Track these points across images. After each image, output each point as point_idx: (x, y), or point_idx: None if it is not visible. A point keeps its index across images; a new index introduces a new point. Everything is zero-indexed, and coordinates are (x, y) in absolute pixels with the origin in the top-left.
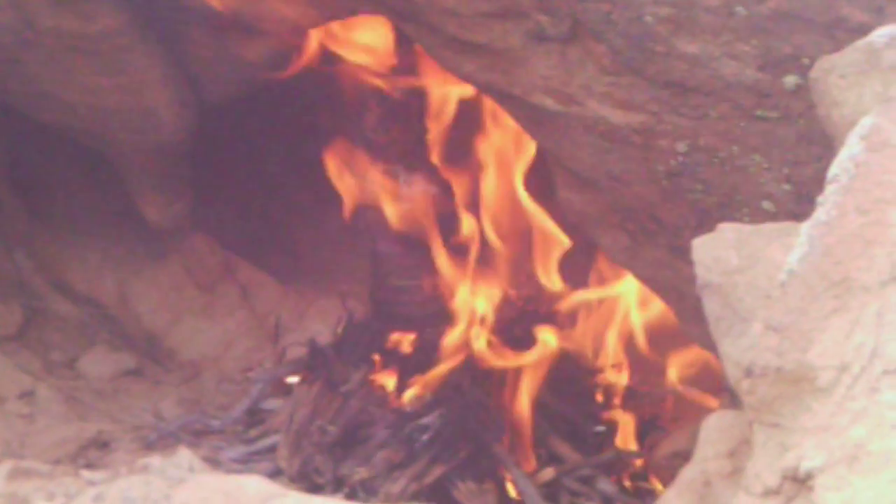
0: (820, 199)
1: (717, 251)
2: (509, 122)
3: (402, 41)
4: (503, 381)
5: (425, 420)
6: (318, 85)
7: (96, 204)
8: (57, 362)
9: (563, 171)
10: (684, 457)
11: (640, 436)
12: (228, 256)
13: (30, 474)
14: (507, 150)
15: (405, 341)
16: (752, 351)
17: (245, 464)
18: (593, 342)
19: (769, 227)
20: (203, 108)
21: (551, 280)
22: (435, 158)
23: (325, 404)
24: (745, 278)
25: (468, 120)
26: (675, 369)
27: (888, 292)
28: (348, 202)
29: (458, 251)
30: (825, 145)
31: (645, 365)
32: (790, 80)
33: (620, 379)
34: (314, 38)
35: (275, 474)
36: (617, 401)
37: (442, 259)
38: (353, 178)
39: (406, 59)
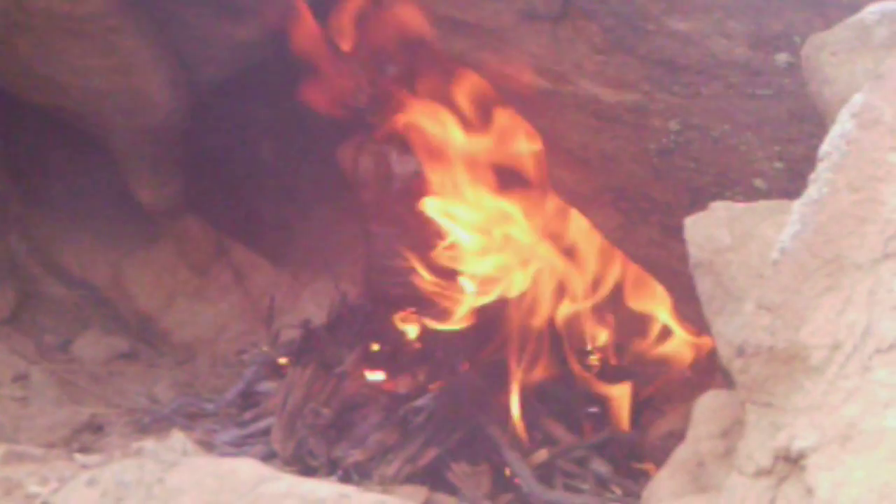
0: (812, 176)
1: (710, 229)
2: None
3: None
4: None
5: (419, 402)
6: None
7: (89, 186)
8: (50, 345)
9: (555, 150)
10: (678, 437)
11: (635, 416)
12: (222, 238)
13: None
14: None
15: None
16: (745, 330)
17: (239, 447)
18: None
19: (761, 205)
20: (195, 89)
21: None
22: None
23: (318, 387)
24: (737, 257)
25: None
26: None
27: (880, 270)
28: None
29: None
30: (817, 123)
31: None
32: (781, 57)
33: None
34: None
35: (269, 457)
36: (610, 381)
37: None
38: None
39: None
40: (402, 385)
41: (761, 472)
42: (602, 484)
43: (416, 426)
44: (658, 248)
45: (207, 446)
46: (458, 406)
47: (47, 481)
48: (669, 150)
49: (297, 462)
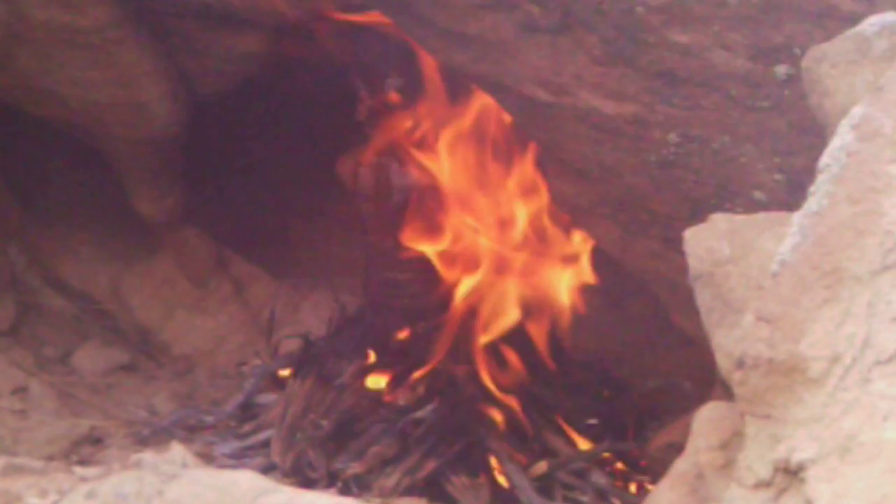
0: (811, 188)
1: (710, 242)
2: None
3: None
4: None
5: (418, 414)
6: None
7: (89, 198)
8: (50, 358)
9: (555, 162)
10: (678, 449)
11: (636, 428)
12: (221, 250)
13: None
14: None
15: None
16: (744, 342)
17: (238, 459)
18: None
19: (761, 217)
20: (195, 101)
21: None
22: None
23: (318, 399)
24: (737, 269)
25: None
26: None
27: (880, 282)
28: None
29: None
30: (817, 135)
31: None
32: (781, 69)
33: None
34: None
35: (268, 469)
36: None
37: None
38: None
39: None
40: (402, 397)
41: (761, 484)
42: (602, 496)
43: (416, 438)
44: (658, 260)
45: (207, 458)
46: (457, 418)
47: (46, 494)
48: (669, 162)
49: (296, 474)
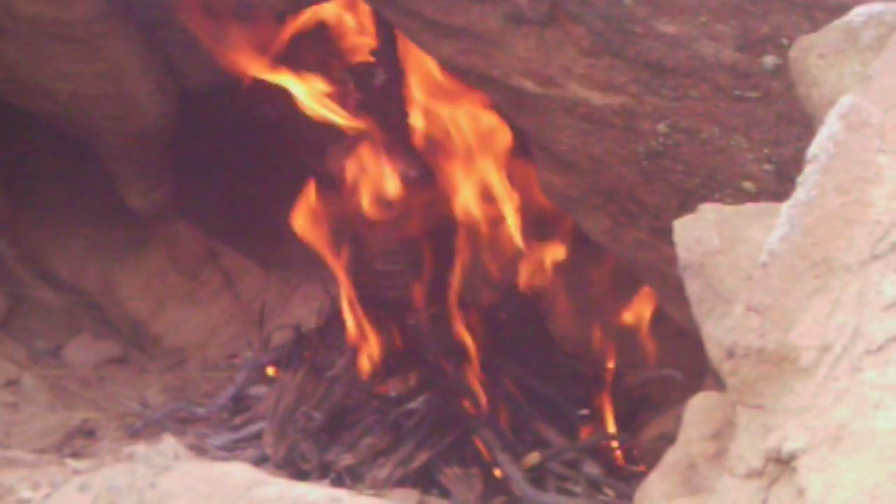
0: (800, 178)
1: (699, 232)
2: None
3: (381, 25)
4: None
5: (411, 405)
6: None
7: (79, 191)
8: (41, 351)
9: (544, 153)
10: (670, 439)
11: (628, 419)
12: (212, 242)
13: (15, 463)
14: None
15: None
16: (734, 332)
17: (230, 451)
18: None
19: (750, 207)
20: (184, 94)
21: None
22: (416, 143)
23: (310, 390)
24: (726, 259)
25: None
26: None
27: (869, 272)
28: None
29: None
30: (805, 125)
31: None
32: (769, 60)
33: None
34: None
35: (260, 461)
36: (603, 384)
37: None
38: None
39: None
40: (394, 388)
41: (752, 474)
42: (594, 486)
43: (408, 429)
44: (647, 251)
45: (199, 451)
46: (449, 409)
47: (39, 486)
48: (658, 153)
49: (288, 466)
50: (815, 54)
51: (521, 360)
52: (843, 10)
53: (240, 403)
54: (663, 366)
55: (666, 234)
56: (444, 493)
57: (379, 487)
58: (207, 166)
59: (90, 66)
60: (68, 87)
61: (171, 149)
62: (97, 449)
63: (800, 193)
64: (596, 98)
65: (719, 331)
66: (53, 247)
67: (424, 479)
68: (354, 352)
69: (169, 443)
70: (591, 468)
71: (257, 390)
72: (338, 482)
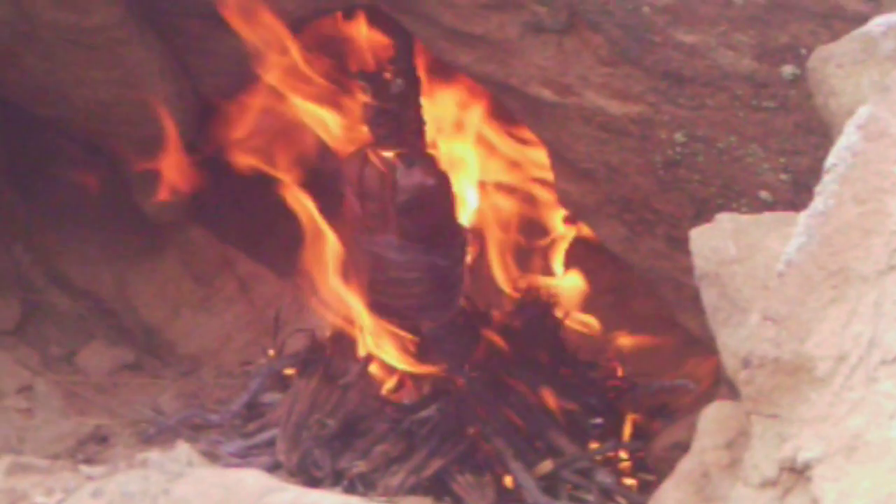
0: (817, 188)
1: (715, 241)
2: None
3: (398, 33)
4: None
5: (424, 413)
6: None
7: (94, 197)
8: (55, 357)
9: (561, 162)
10: (683, 448)
11: (644, 427)
12: (227, 249)
13: (28, 469)
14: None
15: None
16: (750, 341)
17: (244, 458)
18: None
19: (767, 217)
20: (200, 100)
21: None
22: (432, 150)
23: (323, 398)
24: (742, 268)
25: None
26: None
27: (886, 282)
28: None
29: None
30: (823, 135)
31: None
32: (787, 69)
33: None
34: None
35: (273, 468)
36: (618, 392)
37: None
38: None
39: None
40: (407, 396)
41: (767, 484)
42: (607, 495)
43: (421, 437)
44: (663, 260)
45: (212, 457)
46: (462, 417)
47: (52, 492)
48: (675, 162)
49: (301, 473)
50: (834, 64)
51: (534, 369)
52: (861, 20)
53: (253, 410)
54: (677, 375)
55: (682, 244)
56: (457, 501)
57: (391, 495)
58: (223, 173)
59: (108, 72)
60: (86, 93)
61: (187, 156)
62: (110, 455)
63: (817, 203)
64: (613, 107)
65: (735, 340)
66: (68, 252)
67: (437, 487)
68: (368, 359)
69: (182, 449)
70: (604, 477)
71: (271, 397)
72: (350, 489)
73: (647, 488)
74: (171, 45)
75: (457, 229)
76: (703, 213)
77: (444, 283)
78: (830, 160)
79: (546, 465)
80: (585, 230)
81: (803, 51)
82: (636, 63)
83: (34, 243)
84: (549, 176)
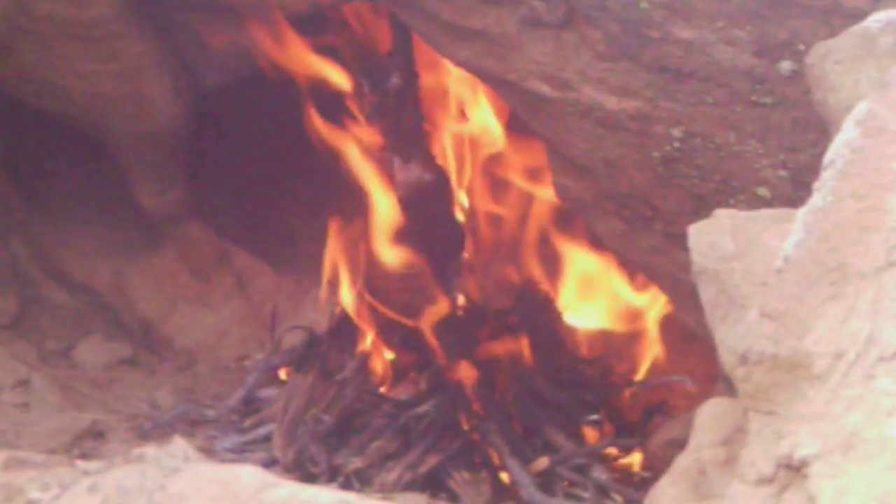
0: (816, 184)
1: (713, 237)
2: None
3: (397, 28)
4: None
5: (420, 409)
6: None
7: (92, 191)
8: (52, 351)
9: (559, 157)
10: (680, 445)
11: (641, 424)
12: (224, 244)
13: (24, 464)
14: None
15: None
16: (748, 338)
17: (240, 453)
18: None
19: (765, 213)
20: (199, 94)
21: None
22: (431, 146)
23: (319, 393)
24: (740, 265)
25: None
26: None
27: (884, 279)
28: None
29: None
30: (821, 131)
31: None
32: (786, 65)
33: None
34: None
35: (270, 464)
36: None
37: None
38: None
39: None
40: (404, 392)
41: (763, 481)
42: (603, 492)
43: (418, 433)
44: (661, 256)
45: (208, 453)
46: (459, 413)
47: (48, 487)
48: (673, 158)
49: (298, 469)
50: (832, 60)
51: (531, 365)
52: (860, 16)
53: (250, 406)
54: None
55: (680, 240)
56: (453, 498)
57: (388, 491)
58: (221, 168)
59: (105, 65)
60: (83, 87)
61: (185, 150)
62: (107, 450)
63: (816, 199)
64: (611, 102)
65: (733, 336)
66: (65, 247)
67: (433, 483)
68: (365, 355)
69: (179, 444)
70: (600, 473)
71: (267, 393)
72: (347, 485)
73: (643, 485)
74: (169, 39)
75: (454, 224)
76: (701, 209)
77: (441, 278)
78: (829, 156)
79: (542, 462)
80: None
81: (802, 47)
82: (634, 58)
83: (31, 237)
84: None
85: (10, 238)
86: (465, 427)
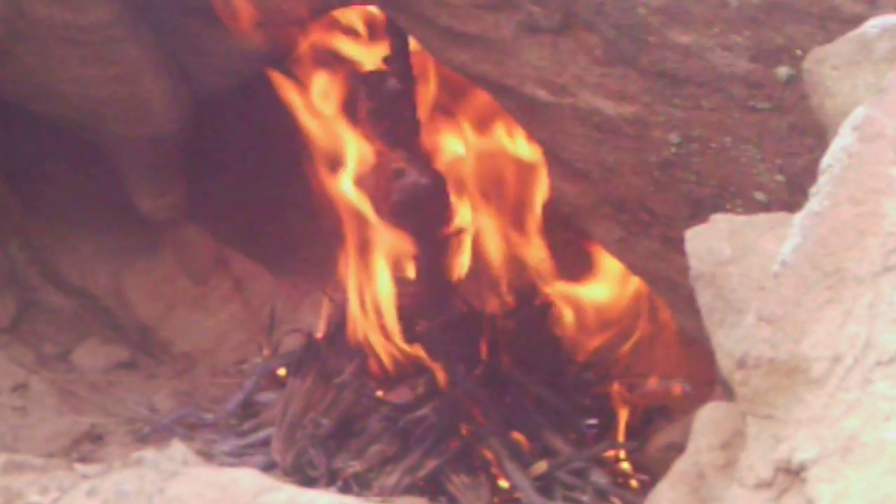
0: (813, 189)
1: (711, 242)
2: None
3: (394, 32)
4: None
5: (419, 413)
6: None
7: (89, 195)
8: (50, 355)
9: (556, 162)
10: (679, 448)
11: (640, 428)
12: (222, 248)
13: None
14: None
15: None
16: (745, 342)
17: (239, 457)
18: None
19: (762, 217)
20: (197, 98)
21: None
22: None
23: (318, 397)
24: (738, 269)
25: None
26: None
27: (881, 283)
28: None
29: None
30: (818, 136)
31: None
32: (783, 70)
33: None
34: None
35: (269, 467)
36: (613, 393)
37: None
38: None
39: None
40: (402, 396)
41: (762, 485)
42: (602, 495)
43: (416, 437)
44: (658, 261)
45: (207, 456)
46: (457, 417)
47: (47, 491)
48: (670, 163)
49: (296, 472)
50: (829, 65)
51: (529, 368)
52: (857, 21)
53: (248, 409)
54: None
55: (677, 244)
56: (452, 501)
57: (386, 495)
58: (218, 172)
59: (103, 69)
60: (81, 91)
61: (183, 154)
62: (105, 454)
63: (813, 204)
64: (609, 107)
65: (730, 341)
66: (63, 250)
67: (432, 487)
68: (363, 359)
69: (177, 448)
70: (599, 477)
71: (266, 396)
72: (345, 489)
73: (642, 489)
74: (167, 44)
75: (452, 228)
76: (699, 214)
77: (439, 282)
78: (826, 161)
79: (541, 466)
80: None
81: (798, 52)
82: (631, 63)
83: (29, 241)
84: None
85: (8, 242)
86: (464, 431)
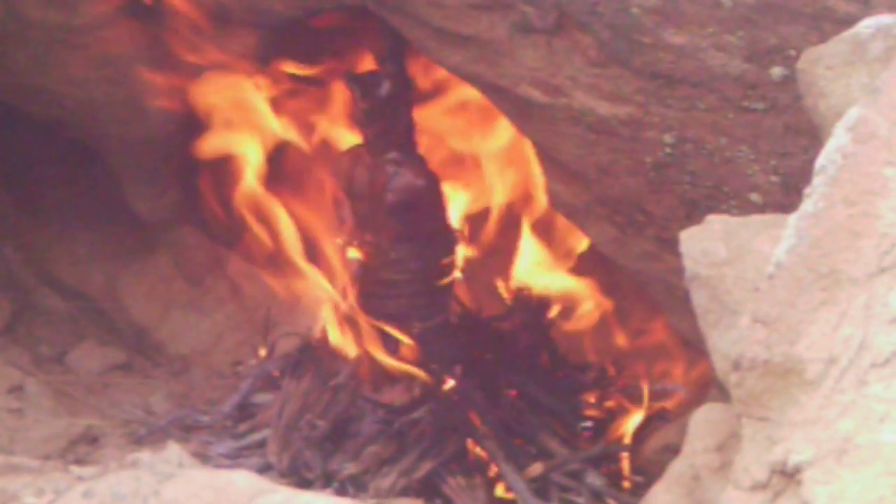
0: (807, 190)
1: (705, 243)
2: None
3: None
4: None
5: (415, 415)
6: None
7: (85, 197)
8: (46, 357)
9: (550, 162)
10: (674, 450)
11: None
12: (217, 249)
13: (19, 470)
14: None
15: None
16: (740, 344)
17: (234, 459)
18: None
19: (757, 218)
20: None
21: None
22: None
23: (314, 399)
24: (732, 270)
25: None
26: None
27: (875, 284)
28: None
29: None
30: (812, 137)
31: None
32: (777, 71)
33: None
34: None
35: (264, 469)
36: (610, 395)
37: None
38: None
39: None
40: (398, 398)
41: (757, 487)
42: (597, 497)
43: (412, 439)
44: (653, 262)
45: (203, 458)
46: (453, 419)
47: (43, 493)
48: (665, 164)
49: (292, 474)
50: (823, 66)
51: (525, 371)
52: (851, 21)
53: (244, 411)
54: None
55: (672, 245)
56: (448, 503)
57: (382, 497)
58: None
59: (98, 71)
60: (75, 92)
61: (178, 155)
62: (101, 456)
63: (807, 205)
64: (603, 108)
65: (725, 342)
66: (58, 252)
67: (428, 489)
68: (359, 361)
69: (173, 450)
70: (595, 479)
71: (262, 398)
72: (341, 491)
73: (637, 491)
74: (161, 45)
75: (447, 230)
76: (693, 215)
77: (434, 284)
78: (820, 162)
79: (537, 468)
80: None
81: (793, 52)
82: (625, 64)
83: (25, 243)
84: None
85: (3, 243)
86: (460, 433)
